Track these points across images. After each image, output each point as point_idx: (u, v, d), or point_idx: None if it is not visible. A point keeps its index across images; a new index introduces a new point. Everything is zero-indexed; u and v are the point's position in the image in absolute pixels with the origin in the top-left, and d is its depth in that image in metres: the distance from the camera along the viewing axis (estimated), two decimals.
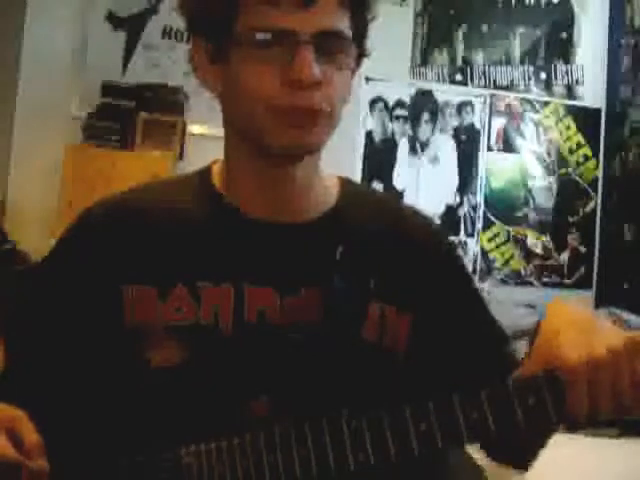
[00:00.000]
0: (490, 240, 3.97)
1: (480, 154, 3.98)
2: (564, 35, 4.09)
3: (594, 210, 4.05)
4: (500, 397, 0.75)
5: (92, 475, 0.83)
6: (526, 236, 3.99)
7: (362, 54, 0.94)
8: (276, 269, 0.91)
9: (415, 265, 0.97)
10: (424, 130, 3.94)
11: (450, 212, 3.92)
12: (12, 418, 0.78)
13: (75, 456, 0.83)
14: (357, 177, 3.75)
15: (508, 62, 4.04)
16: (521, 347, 2.94)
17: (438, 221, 3.85)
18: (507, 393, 0.75)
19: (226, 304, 0.89)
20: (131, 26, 3.62)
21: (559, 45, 4.09)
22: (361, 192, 1.07)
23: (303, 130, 0.87)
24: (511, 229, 3.98)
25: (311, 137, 0.88)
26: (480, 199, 3.96)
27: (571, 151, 4.05)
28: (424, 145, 3.94)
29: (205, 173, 1.00)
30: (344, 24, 0.88)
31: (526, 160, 4.01)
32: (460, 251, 3.95)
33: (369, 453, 0.76)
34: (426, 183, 3.90)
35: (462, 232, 3.93)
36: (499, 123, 3.99)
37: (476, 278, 3.90)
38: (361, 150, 3.84)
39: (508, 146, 4.00)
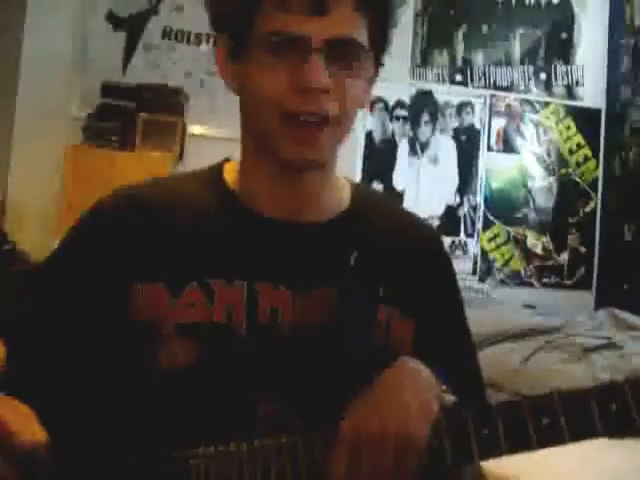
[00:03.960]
0: (490, 240, 3.96)
1: (480, 154, 3.98)
2: (564, 35, 4.09)
3: (594, 210, 4.05)
4: (513, 415, 0.76)
5: (100, 476, 0.82)
6: (526, 236, 3.99)
7: (379, 63, 0.94)
8: (289, 268, 0.91)
9: (419, 272, 0.98)
10: (424, 130, 3.93)
11: (450, 212, 3.92)
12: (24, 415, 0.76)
13: (81, 456, 0.83)
14: (357, 177, 3.75)
15: (508, 62, 4.03)
16: (520, 347, 2.94)
17: (438, 222, 3.86)
18: (520, 411, 0.76)
19: (239, 303, 0.89)
20: (131, 26, 3.62)
21: (559, 45, 4.09)
22: (370, 195, 1.08)
23: (307, 146, 0.87)
24: (511, 229, 3.98)
25: (316, 151, 0.88)
26: (480, 199, 3.96)
27: (571, 151, 4.05)
28: (424, 146, 3.93)
29: (216, 170, 0.99)
30: (360, 32, 0.88)
31: (526, 160, 4.01)
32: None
33: None
34: (426, 183, 3.90)
35: (462, 232, 3.93)
36: (499, 123, 3.99)
37: (476, 278, 3.91)
38: (361, 150, 3.84)
39: (508, 146, 4.00)
